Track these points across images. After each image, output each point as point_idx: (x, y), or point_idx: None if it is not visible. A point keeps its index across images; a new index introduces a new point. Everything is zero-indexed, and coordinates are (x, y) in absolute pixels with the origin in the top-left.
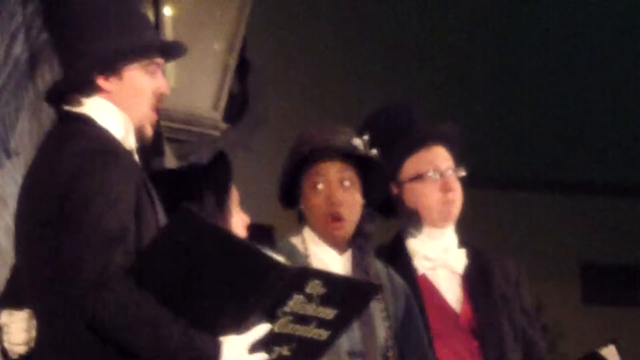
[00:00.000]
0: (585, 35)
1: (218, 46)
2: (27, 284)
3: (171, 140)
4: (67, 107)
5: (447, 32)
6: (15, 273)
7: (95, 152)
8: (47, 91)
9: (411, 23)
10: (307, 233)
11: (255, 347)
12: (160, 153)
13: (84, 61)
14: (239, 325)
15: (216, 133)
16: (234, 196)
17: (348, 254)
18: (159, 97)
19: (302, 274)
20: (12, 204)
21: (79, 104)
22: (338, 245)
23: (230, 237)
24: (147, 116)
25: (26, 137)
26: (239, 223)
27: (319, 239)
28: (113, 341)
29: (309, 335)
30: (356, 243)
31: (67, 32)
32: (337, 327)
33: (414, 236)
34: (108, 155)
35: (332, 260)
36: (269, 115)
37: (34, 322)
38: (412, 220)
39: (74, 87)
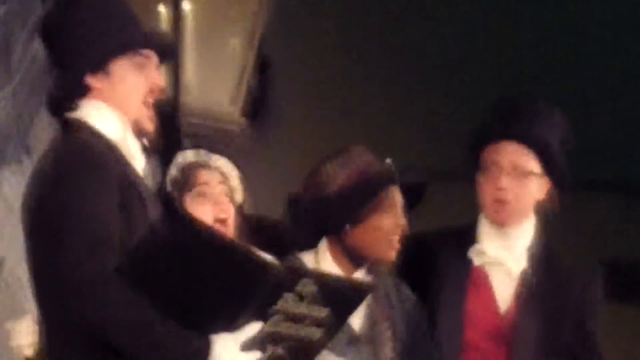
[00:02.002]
0: (605, 28)
1: (237, 42)
2: (32, 291)
3: (190, 135)
4: (66, 114)
5: (466, 29)
6: None
7: (73, 156)
8: (47, 102)
9: (436, 21)
10: (322, 250)
11: (248, 346)
12: (178, 148)
13: (73, 63)
14: (231, 324)
15: (235, 128)
16: (203, 186)
17: (359, 274)
18: (153, 91)
19: (292, 273)
20: None
21: (76, 108)
22: (350, 267)
23: (218, 237)
24: (140, 111)
25: (44, 133)
26: (206, 213)
27: (332, 260)
28: (108, 343)
29: (303, 334)
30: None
31: (57, 38)
32: (330, 326)
33: (482, 228)
34: (86, 160)
35: None
36: (287, 111)
37: (36, 326)
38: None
39: (67, 91)
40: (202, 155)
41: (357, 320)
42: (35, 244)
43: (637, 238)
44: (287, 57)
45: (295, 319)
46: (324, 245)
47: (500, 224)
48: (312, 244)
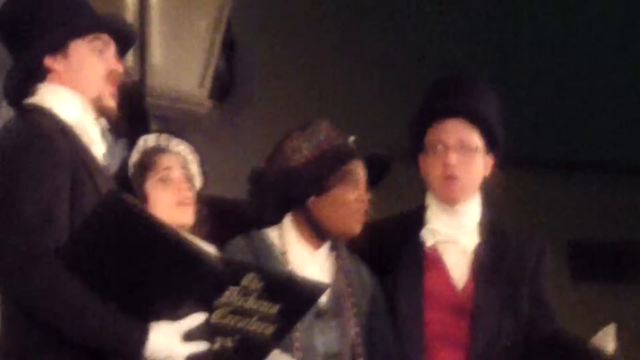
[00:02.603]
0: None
1: (204, 24)
2: None
3: (158, 118)
4: (23, 101)
5: (451, 14)
6: None
7: (20, 137)
8: (4, 91)
9: (403, 4)
10: (287, 226)
11: (191, 336)
12: (146, 131)
13: (32, 45)
14: (172, 313)
15: (202, 111)
16: (166, 171)
17: (323, 250)
18: (112, 76)
19: (235, 267)
20: None
21: (33, 93)
22: (314, 241)
23: (158, 225)
24: (100, 90)
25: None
26: (168, 197)
27: (297, 234)
28: (42, 323)
29: (253, 329)
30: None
31: (14, 23)
32: (282, 322)
33: (430, 208)
34: (33, 139)
35: (307, 256)
36: (254, 93)
37: None
38: (429, 193)
39: (25, 75)
40: (163, 139)
41: (325, 294)
42: None
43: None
44: (254, 38)
45: (243, 313)
46: (288, 220)
47: (451, 201)
48: (276, 219)
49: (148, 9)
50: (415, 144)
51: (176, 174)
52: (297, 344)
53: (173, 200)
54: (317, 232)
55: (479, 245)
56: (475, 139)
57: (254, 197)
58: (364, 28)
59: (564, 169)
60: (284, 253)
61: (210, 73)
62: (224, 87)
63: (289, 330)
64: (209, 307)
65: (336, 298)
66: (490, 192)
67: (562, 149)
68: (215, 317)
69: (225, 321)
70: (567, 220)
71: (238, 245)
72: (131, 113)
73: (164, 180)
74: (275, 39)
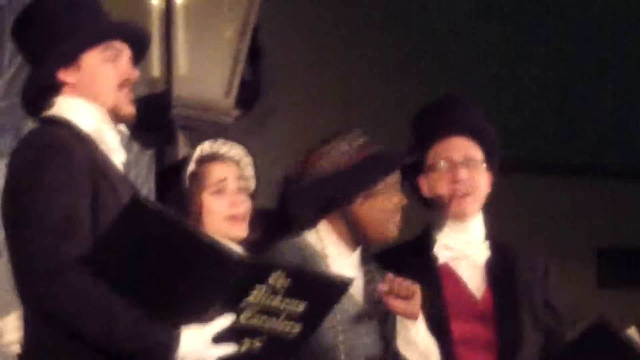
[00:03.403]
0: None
1: (230, 33)
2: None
3: (184, 127)
4: (42, 114)
5: (468, 19)
6: None
7: (39, 148)
8: (23, 103)
9: (430, 15)
10: (324, 230)
11: (220, 338)
12: (173, 141)
13: (44, 60)
14: (200, 315)
15: (228, 120)
16: (220, 183)
17: (357, 254)
18: (127, 82)
19: (262, 265)
20: None
21: (51, 106)
22: (351, 245)
23: (184, 226)
24: (117, 97)
25: None
26: (221, 209)
27: (336, 237)
28: (70, 332)
29: (280, 328)
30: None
31: (29, 38)
32: (308, 320)
33: (438, 227)
34: (52, 151)
35: (346, 259)
36: (281, 102)
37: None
38: (436, 211)
39: (40, 88)
40: (218, 146)
41: (360, 296)
42: (7, 237)
43: (631, 226)
44: (280, 47)
45: (270, 312)
46: (324, 224)
47: (462, 216)
48: (311, 224)
49: (174, 19)
50: (414, 165)
51: (231, 186)
52: (342, 347)
53: (226, 214)
54: (355, 235)
55: (490, 258)
56: (479, 154)
57: (289, 202)
58: (392, 37)
59: (592, 175)
60: (324, 257)
61: (236, 82)
62: (250, 96)
63: (315, 328)
64: (236, 308)
65: (372, 301)
66: (518, 200)
67: (591, 155)
68: (244, 318)
69: (253, 322)
70: (595, 226)
71: (286, 249)
72: (157, 123)
73: (219, 193)
74: (302, 47)
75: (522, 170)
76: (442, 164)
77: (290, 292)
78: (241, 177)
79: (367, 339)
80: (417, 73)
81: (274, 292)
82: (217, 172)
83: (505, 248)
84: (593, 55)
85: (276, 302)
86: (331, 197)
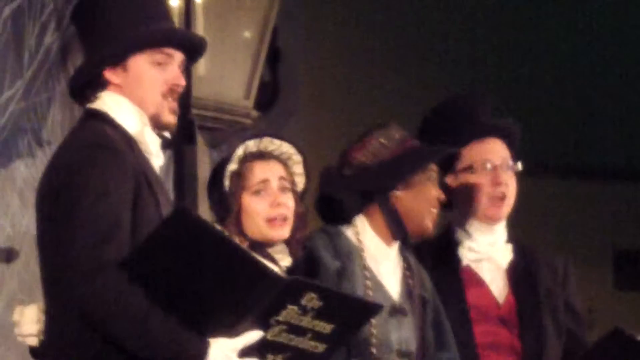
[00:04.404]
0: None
1: (249, 34)
2: (40, 278)
3: (203, 128)
4: (88, 104)
5: (489, 21)
6: None
7: (90, 147)
8: (69, 89)
9: (453, 13)
10: (361, 223)
11: (246, 353)
12: (192, 142)
13: (92, 57)
14: (230, 329)
15: (248, 121)
16: (261, 184)
17: (394, 248)
18: (173, 89)
19: (296, 286)
20: None
21: (97, 99)
22: (388, 238)
23: (224, 239)
24: (160, 105)
25: (58, 127)
26: (260, 211)
27: (373, 231)
28: (103, 333)
29: (304, 347)
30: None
31: (84, 28)
32: (333, 341)
33: (462, 228)
34: (102, 151)
35: (383, 253)
36: (300, 103)
37: (42, 315)
38: (463, 212)
39: (84, 83)
40: (264, 144)
41: (396, 291)
42: (45, 232)
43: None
44: (299, 48)
45: (297, 331)
46: (362, 218)
47: (497, 219)
48: (351, 215)
49: (193, 19)
50: (444, 163)
51: (273, 186)
52: (373, 340)
53: (265, 215)
54: (393, 228)
55: (513, 261)
56: (510, 157)
57: (328, 193)
58: (412, 38)
59: (610, 178)
60: (360, 249)
61: (255, 83)
62: (269, 97)
63: (338, 348)
64: (265, 324)
65: (407, 296)
66: (536, 202)
67: (609, 158)
68: (271, 334)
69: (280, 339)
70: (613, 229)
71: (321, 242)
72: (177, 124)
73: (259, 193)
74: (320, 48)
75: (540, 173)
76: (488, 165)
77: (320, 314)
78: (285, 177)
79: (399, 333)
80: (436, 73)
81: (304, 312)
82: (258, 171)
83: (528, 251)
84: (616, 59)
85: (305, 322)
86: (373, 186)
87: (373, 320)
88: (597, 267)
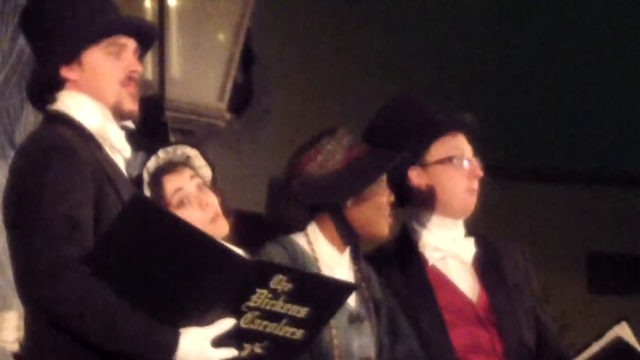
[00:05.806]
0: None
1: (223, 37)
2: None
3: (176, 130)
4: (47, 107)
5: (456, 26)
6: None
7: (44, 150)
8: (27, 94)
9: (419, 18)
10: (313, 232)
11: (221, 343)
12: (165, 144)
13: (46, 56)
14: (201, 317)
15: (221, 123)
16: (178, 193)
17: (347, 255)
18: (131, 76)
19: (263, 268)
20: None
21: (56, 100)
22: (340, 246)
23: (184, 225)
24: (119, 93)
25: (31, 128)
26: (196, 219)
27: (325, 239)
28: (71, 332)
29: (281, 334)
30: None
31: (34, 32)
32: (310, 326)
33: (422, 225)
34: (57, 153)
35: (336, 261)
36: (273, 106)
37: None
38: (425, 207)
39: (43, 84)
40: (162, 157)
41: (352, 298)
42: (9, 237)
43: (622, 232)
44: (273, 51)
45: (271, 317)
46: (313, 226)
47: (466, 214)
48: (300, 226)
49: (167, 22)
50: (410, 157)
51: (190, 190)
52: (336, 351)
53: (201, 219)
54: (344, 236)
55: (476, 255)
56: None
57: (277, 205)
58: (384, 40)
59: (583, 181)
60: (315, 259)
61: (229, 86)
62: (243, 99)
63: (317, 334)
64: (237, 312)
65: (364, 302)
66: (509, 205)
67: (583, 162)
68: (244, 322)
69: (254, 326)
70: (586, 232)
71: (275, 251)
72: (150, 126)
73: (182, 202)
74: (294, 51)
75: (511, 176)
76: (465, 158)
77: (292, 297)
78: (195, 177)
79: (360, 340)
80: (411, 75)
81: (275, 296)
82: (169, 184)
83: (487, 243)
84: (592, 62)
85: (278, 307)
86: (323, 201)
87: (334, 330)
88: (571, 271)
